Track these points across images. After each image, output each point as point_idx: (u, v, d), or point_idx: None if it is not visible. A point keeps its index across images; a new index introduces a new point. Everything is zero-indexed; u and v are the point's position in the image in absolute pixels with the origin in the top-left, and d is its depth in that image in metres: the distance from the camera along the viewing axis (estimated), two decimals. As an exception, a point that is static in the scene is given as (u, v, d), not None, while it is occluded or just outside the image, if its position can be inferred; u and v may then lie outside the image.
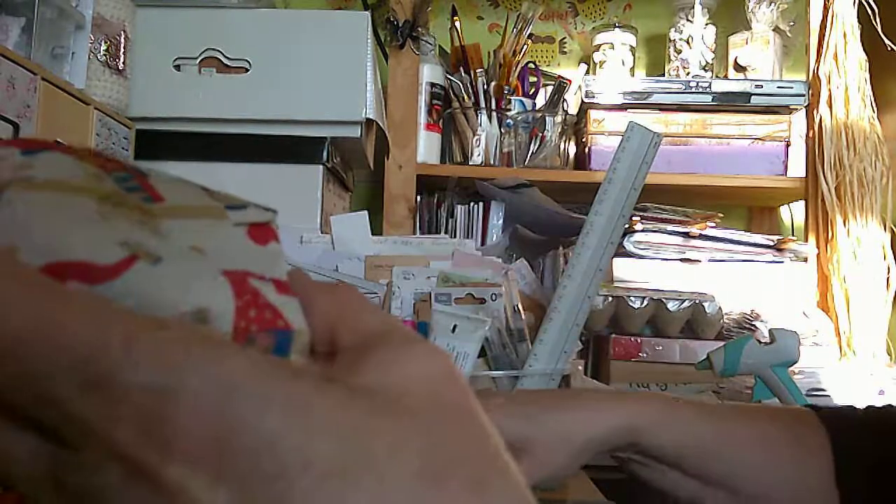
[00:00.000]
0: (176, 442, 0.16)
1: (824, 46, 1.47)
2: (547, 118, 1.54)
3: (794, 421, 0.63)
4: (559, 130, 1.55)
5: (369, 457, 0.17)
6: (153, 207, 0.20)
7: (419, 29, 1.49)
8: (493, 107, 1.55)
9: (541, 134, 1.53)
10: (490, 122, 1.54)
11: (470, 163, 1.53)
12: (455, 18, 1.61)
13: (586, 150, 1.51)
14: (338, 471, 0.17)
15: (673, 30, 1.64)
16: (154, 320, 0.17)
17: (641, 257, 1.30)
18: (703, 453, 0.60)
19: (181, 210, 0.20)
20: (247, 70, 1.24)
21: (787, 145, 1.51)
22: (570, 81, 1.65)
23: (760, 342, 0.94)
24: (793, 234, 1.64)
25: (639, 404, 0.62)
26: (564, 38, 1.83)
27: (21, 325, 0.15)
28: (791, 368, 0.94)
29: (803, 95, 1.48)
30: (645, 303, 1.15)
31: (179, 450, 0.16)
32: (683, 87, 1.50)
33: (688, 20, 1.62)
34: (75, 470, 0.16)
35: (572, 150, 1.62)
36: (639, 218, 1.31)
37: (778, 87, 1.50)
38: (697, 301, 1.15)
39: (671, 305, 1.15)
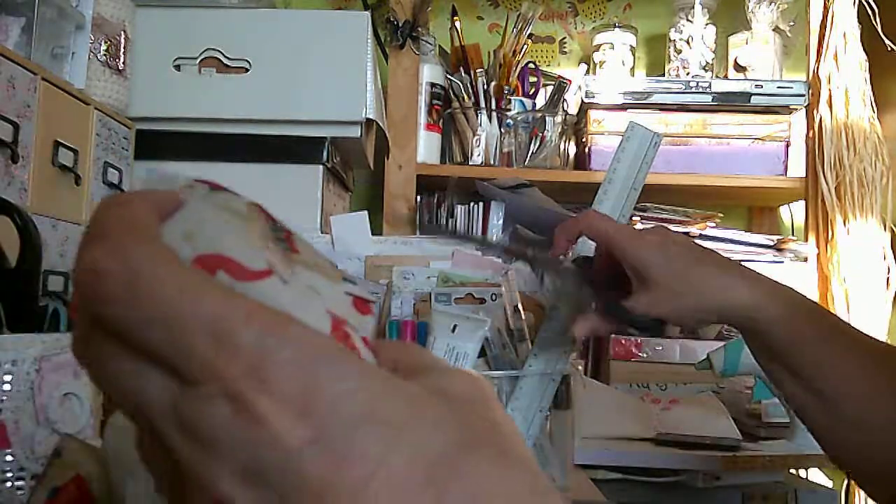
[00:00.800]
0: (271, 382, 0.21)
1: (824, 46, 1.47)
2: (547, 118, 1.54)
3: None
4: (559, 130, 1.55)
5: (419, 421, 0.22)
6: (290, 255, 0.25)
7: (419, 29, 1.49)
8: (493, 107, 1.55)
9: (541, 134, 1.53)
10: (490, 122, 1.54)
11: (470, 163, 1.53)
12: (455, 18, 1.61)
13: (586, 150, 1.51)
14: (394, 425, 0.21)
15: (673, 30, 1.64)
16: (270, 309, 0.22)
17: (641, 257, 1.30)
18: (818, 365, 0.63)
19: (310, 264, 0.25)
20: (247, 70, 1.24)
21: (787, 145, 1.51)
22: (570, 81, 1.65)
23: (760, 342, 0.94)
24: (793, 234, 1.64)
25: (766, 293, 0.65)
26: (564, 38, 1.83)
27: (173, 293, 0.21)
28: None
29: (803, 95, 1.48)
30: (645, 303, 1.15)
31: (273, 389, 0.21)
32: (683, 87, 1.50)
33: (688, 20, 1.62)
34: (193, 400, 0.21)
35: (572, 150, 1.62)
36: (639, 218, 1.31)
37: (778, 87, 1.50)
38: (697, 301, 1.15)
39: (671, 305, 1.15)
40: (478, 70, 1.56)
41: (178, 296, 0.21)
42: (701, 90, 1.49)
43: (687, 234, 1.32)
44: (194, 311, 0.21)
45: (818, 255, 1.45)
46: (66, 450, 0.51)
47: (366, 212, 1.25)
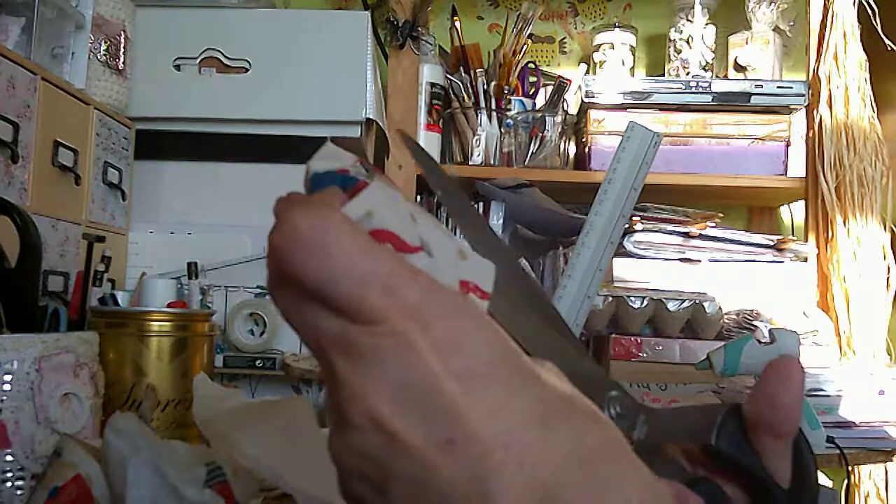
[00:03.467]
0: (429, 327, 0.27)
1: (824, 46, 1.47)
2: (547, 118, 1.54)
3: None
4: (559, 130, 1.55)
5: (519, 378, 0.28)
6: (430, 230, 0.31)
7: (419, 29, 1.49)
8: (493, 107, 1.55)
9: (541, 134, 1.53)
10: (490, 122, 1.54)
11: (470, 163, 1.53)
12: (455, 18, 1.61)
13: (586, 150, 1.51)
14: (494, 377, 0.27)
15: (673, 30, 1.64)
16: (426, 273, 0.28)
17: (641, 257, 1.30)
18: None
19: (443, 240, 0.31)
20: (247, 70, 1.24)
21: (787, 145, 1.51)
22: (570, 81, 1.65)
23: (760, 342, 0.94)
24: (793, 234, 1.64)
25: None
26: (564, 38, 1.83)
27: (356, 253, 0.27)
28: (791, 368, 0.94)
29: (803, 95, 1.48)
30: (645, 303, 1.15)
31: (430, 331, 0.27)
32: (683, 87, 1.50)
33: (688, 20, 1.62)
34: (361, 335, 0.26)
35: (572, 150, 1.62)
36: (639, 218, 1.31)
37: (778, 87, 1.50)
38: (697, 301, 1.15)
39: (671, 305, 1.15)
40: (478, 70, 1.56)
41: (359, 255, 0.27)
42: (701, 90, 1.49)
43: (687, 233, 1.32)
44: (374, 268, 0.27)
45: (818, 255, 1.45)
46: (66, 450, 0.51)
47: (366, 212, 1.25)
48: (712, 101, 1.49)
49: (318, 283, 0.27)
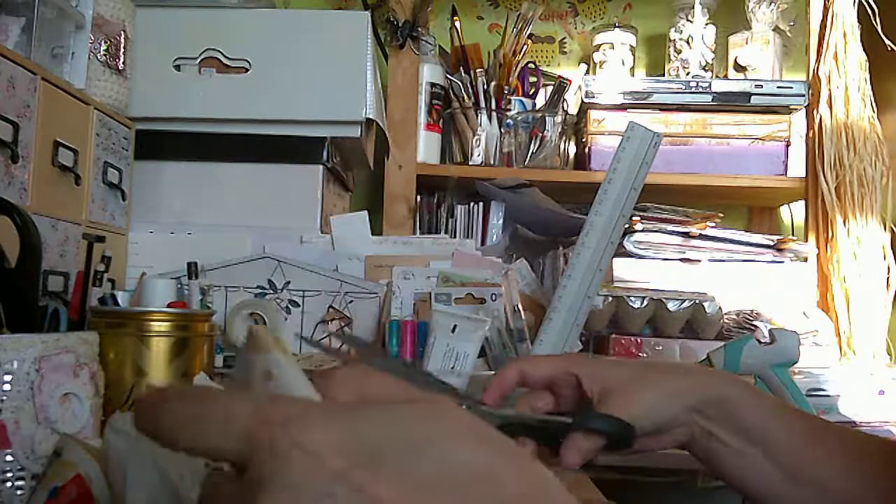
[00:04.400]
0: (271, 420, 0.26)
1: (824, 46, 1.47)
2: (547, 118, 1.54)
3: (876, 442, 0.61)
4: (559, 130, 1.55)
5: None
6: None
7: (419, 29, 1.49)
8: (493, 107, 1.55)
9: (541, 134, 1.53)
10: (490, 122, 1.54)
11: (470, 163, 1.53)
12: (455, 18, 1.61)
13: (586, 150, 1.51)
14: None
15: (673, 30, 1.64)
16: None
17: (641, 257, 1.30)
18: (791, 442, 0.58)
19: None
20: (247, 70, 1.24)
21: (787, 145, 1.51)
22: (570, 81, 1.65)
23: (760, 342, 0.94)
24: (793, 234, 1.64)
25: (729, 379, 0.62)
26: (564, 38, 1.83)
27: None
28: (791, 368, 0.94)
29: (803, 95, 1.48)
30: (645, 303, 1.15)
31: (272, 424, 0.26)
32: (683, 87, 1.50)
33: (688, 20, 1.62)
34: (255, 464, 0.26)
35: (572, 150, 1.62)
36: (639, 218, 1.31)
37: (778, 87, 1.50)
38: (697, 301, 1.15)
39: (671, 305, 1.15)
40: (478, 70, 1.56)
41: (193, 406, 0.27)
42: (701, 90, 1.49)
43: (687, 233, 1.32)
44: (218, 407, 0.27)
45: (818, 255, 1.45)
46: (66, 450, 0.51)
47: (366, 212, 1.25)
48: (712, 101, 1.49)
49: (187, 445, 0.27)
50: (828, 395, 1.04)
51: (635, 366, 0.63)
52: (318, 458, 0.25)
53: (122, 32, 1.14)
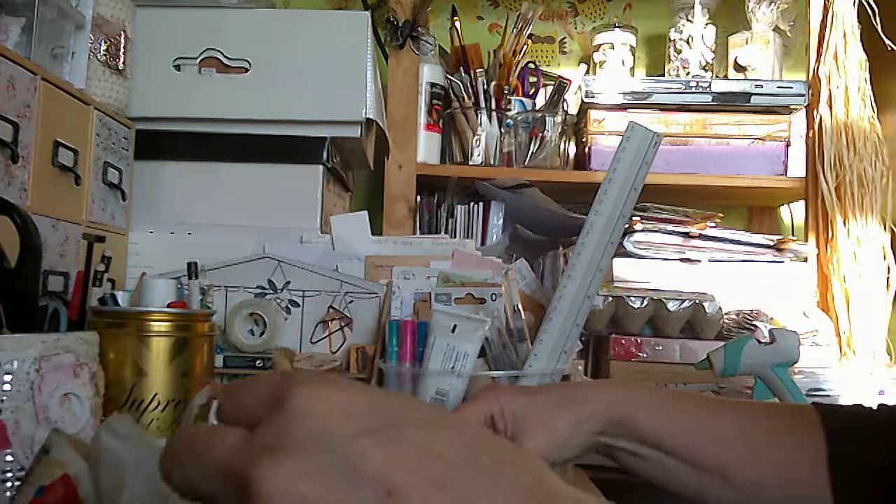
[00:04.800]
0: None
1: (824, 46, 1.47)
2: (547, 118, 1.54)
3: (787, 413, 0.64)
4: (559, 130, 1.55)
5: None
6: None
7: (419, 29, 1.49)
8: (493, 107, 1.55)
9: (541, 134, 1.53)
10: (490, 122, 1.54)
11: (470, 163, 1.53)
12: (455, 18, 1.61)
13: (586, 150, 1.51)
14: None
15: (673, 30, 1.64)
16: None
17: (641, 257, 1.30)
18: (692, 437, 0.61)
19: None
20: (247, 70, 1.24)
21: (787, 145, 1.51)
22: (570, 81, 1.65)
23: (760, 342, 0.94)
24: (793, 234, 1.64)
25: (625, 389, 0.65)
26: (564, 38, 1.83)
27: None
28: (791, 368, 0.94)
29: (803, 95, 1.48)
30: (645, 303, 1.15)
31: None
32: (683, 87, 1.50)
33: (688, 20, 1.62)
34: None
35: (572, 150, 1.62)
36: (639, 218, 1.31)
37: (778, 87, 1.50)
38: (697, 301, 1.15)
39: (671, 305, 1.15)
40: (478, 70, 1.56)
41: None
42: (701, 90, 1.49)
43: (687, 233, 1.32)
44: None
45: (818, 255, 1.45)
46: (54, 447, 0.50)
47: (366, 212, 1.25)
48: (712, 101, 1.49)
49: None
50: (828, 395, 1.04)
51: (543, 397, 0.65)
52: (326, 418, 0.27)
53: (122, 32, 1.14)
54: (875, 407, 0.63)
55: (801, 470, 0.58)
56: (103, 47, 1.10)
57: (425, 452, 0.27)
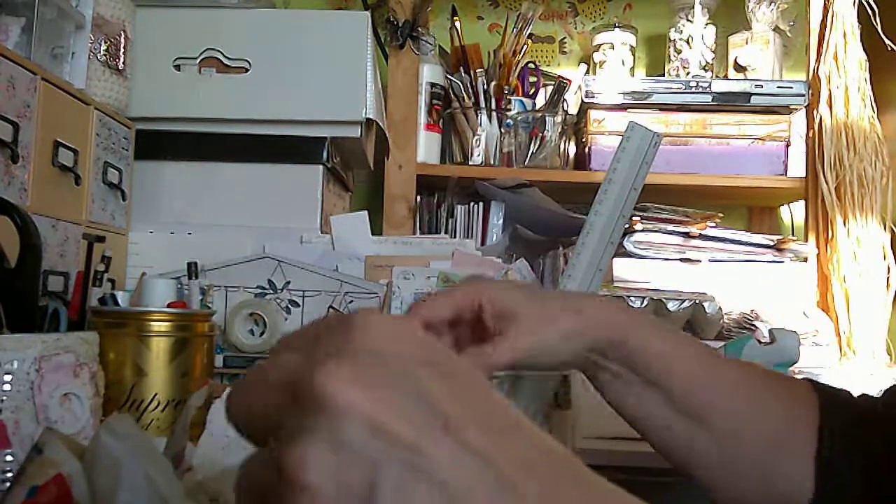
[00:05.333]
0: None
1: (824, 46, 1.47)
2: (547, 118, 1.54)
3: (786, 379, 0.63)
4: (559, 130, 1.55)
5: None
6: None
7: (419, 29, 1.49)
8: (493, 107, 1.55)
9: (541, 134, 1.53)
10: (490, 122, 1.54)
11: (470, 163, 1.53)
12: (455, 18, 1.61)
13: (586, 150, 1.51)
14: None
15: (673, 30, 1.64)
16: None
17: (641, 257, 1.30)
18: (690, 382, 0.59)
19: None
20: (247, 70, 1.24)
21: (787, 145, 1.51)
22: (570, 81, 1.65)
23: (760, 342, 0.94)
24: (793, 234, 1.64)
25: (629, 314, 0.62)
26: (564, 38, 1.83)
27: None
28: (791, 368, 0.94)
29: (803, 95, 1.48)
30: (645, 303, 1.15)
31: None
32: (683, 87, 1.50)
33: (688, 20, 1.62)
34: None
35: (572, 150, 1.62)
36: (639, 218, 1.31)
37: (778, 87, 1.50)
38: (697, 301, 1.15)
39: (671, 305, 1.15)
40: (478, 70, 1.56)
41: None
42: (701, 90, 1.49)
43: (687, 233, 1.32)
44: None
45: (818, 255, 1.45)
46: (47, 446, 0.49)
47: (366, 212, 1.25)
48: (712, 101, 1.49)
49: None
50: (828, 395, 1.04)
51: (542, 298, 0.61)
52: (388, 339, 0.27)
53: (122, 32, 1.14)
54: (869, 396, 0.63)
55: (787, 430, 0.58)
56: (103, 47, 1.10)
57: (478, 397, 0.27)
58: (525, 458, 0.26)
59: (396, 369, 0.26)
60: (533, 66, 1.63)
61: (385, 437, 0.24)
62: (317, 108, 1.24)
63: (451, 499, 0.24)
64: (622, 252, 1.29)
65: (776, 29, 1.58)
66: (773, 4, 1.56)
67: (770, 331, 0.95)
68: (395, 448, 0.24)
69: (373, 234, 1.24)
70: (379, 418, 0.24)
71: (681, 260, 1.31)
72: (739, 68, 1.59)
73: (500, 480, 0.25)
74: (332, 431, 0.24)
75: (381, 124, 1.34)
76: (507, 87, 1.56)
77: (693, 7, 1.60)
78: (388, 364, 0.26)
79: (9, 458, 0.61)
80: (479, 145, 1.52)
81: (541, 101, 1.62)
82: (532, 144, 1.53)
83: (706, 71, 1.61)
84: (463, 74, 1.56)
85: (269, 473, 0.25)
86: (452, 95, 1.57)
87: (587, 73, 1.70)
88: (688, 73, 1.60)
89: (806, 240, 1.47)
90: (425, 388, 0.26)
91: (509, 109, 1.55)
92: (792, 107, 1.50)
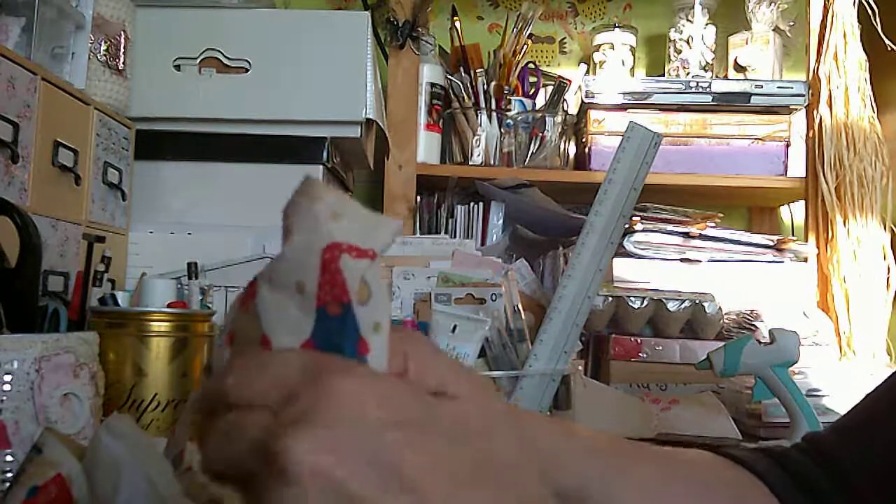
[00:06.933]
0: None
1: (824, 46, 1.47)
2: (547, 118, 1.54)
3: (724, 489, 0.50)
4: (559, 130, 1.55)
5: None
6: None
7: (419, 29, 1.49)
8: (493, 107, 1.55)
9: (541, 134, 1.53)
10: (490, 122, 1.54)
11: (470, 163, 1.53)
12: (455, 18, 1.61)
13: (586, 150, 1.51)
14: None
15: (673, 30, 1.64)
16: None
17: (641, 257, 1.30)
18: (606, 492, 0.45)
19: None
20: (247, 70, 1.24)
21: (787, 145, 1.51)
22: (570, 81, 1.65)
23: (760, 342, 0.94)
24: (793, 234, 1.64)
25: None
26: (564, 38, 1.83)
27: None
28: (791, 368, 0.94)
29: (803, 95, 1.48)
30: (645, 303, 1.15)
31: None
32: (683, 87, 1.50)
33: (688, 20, 1.62)
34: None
35: (572, 150, 1.62)
36: (639, 218, 1.31)
37: (778, 87, 1.50)
38: (697, 301, 1.15)
39: (671, 305, 1.15)
40: (478, 70, 1.56)
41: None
42: (701, 90, 1.49)
43: (687, 234, 1.32)
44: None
45: (818, 255, 1.45)
46: (47, 446, 0.49)
47: (366, 212, 1.25)
48: (712, 101, 1.49)
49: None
50: (827, 395, 1.04)
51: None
52: (360, 402, 0.27)
53: (122, 32, 1.14)
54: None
55: None
56: (103, 47, 1.10)
57: (450, 458, 0.28)
58: None
59: (364, 436, 0.27)
60: (533, 66, 1.63)
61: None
62: (317, 108, 1.24)
63: None
64: (622, 252, 1.29)
65: (776, 29, 1.58)
66: (773, 4, 1.56)
67: (770, 331, 0.95)
68: None
69: (373, 234, 1.24)
70: (346, 487, 0.26)
71: (681, 260, 1.31)
72: (739, 68, 1.59)
73: None
74: (298, 499, 0.26)
75: (381, 124, 1.34)
76: (507, 88, 1.56)
77: (693, 7, 1.60)
78: (357, 430, 0.27)
79: (9, 458, 0.61)
80: (479, 145, 1.52)
81: (541, 101, 1.62)
82: (532, 144, 1.53)
83: (706, 71, 1.61)
84: (463, 74, 1.56)
85: None
86: (452, 95, 1.57)
87: (587, 73, 1.70)
88: (688, 74, 1.60)
89: (806, 240, 1.47)
90: (391, 454, 0.27)
91: (509, 109, 1.55)
92: (792, 107, 1.50)
